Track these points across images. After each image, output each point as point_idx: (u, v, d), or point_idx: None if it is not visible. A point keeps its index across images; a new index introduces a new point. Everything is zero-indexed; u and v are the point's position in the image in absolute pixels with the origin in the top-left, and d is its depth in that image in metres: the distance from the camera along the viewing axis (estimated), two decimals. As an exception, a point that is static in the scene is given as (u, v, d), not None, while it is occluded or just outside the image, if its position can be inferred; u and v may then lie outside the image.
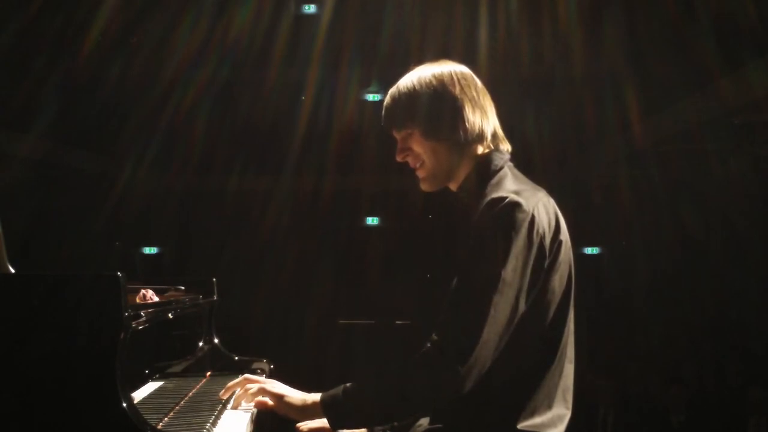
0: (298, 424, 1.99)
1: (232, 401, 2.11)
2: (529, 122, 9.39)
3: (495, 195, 1.69)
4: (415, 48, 7.84)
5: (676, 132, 7.66)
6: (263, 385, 1.84)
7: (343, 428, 1.85)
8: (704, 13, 6.18)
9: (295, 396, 1.79)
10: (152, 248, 11.05)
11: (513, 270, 1.62)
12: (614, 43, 7.67)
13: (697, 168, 8.55)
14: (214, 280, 2.82)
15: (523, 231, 1.64)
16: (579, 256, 11.00)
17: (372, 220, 11.58)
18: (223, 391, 2.01)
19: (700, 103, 6.81)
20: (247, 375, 1.98)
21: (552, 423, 1.73)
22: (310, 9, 8.51)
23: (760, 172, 7.73)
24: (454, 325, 1.61)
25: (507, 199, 1.66)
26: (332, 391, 1.74)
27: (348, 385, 1.73)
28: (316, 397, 1.76)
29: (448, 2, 8.20)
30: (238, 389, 1.93)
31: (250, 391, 1.84)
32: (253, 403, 2.06)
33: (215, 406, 1.99)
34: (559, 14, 7.73)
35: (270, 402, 1.81)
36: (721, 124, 7.10)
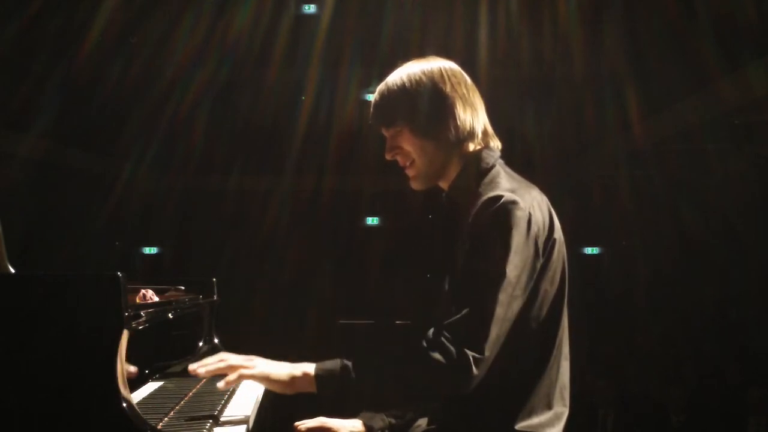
0: (296, 424, 1.99)
1: (231, 406, 2.10)
2: (529, 122, 9.40)
3: (491, 194, 1.68)
4: (415, 48, 7.84)
5: (676, 132, 7.66)
6: (243, 372, 1.73)
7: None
8: (704, 13, 6.18)
9: (281, 372, 1.72)
10: (152, 248, 11.05)
11: (514, 267, 1.62)
12: (614, 43, 7.67)
13: (697, 168, 8.55)
14: (214, 280, 2.82)
15: (522, 228, 1.64)
16: (579, 256, 11.04)
17: (372, 220, 11.58)
18: (203, 369, 1.77)
19: (700, 103, 6.81)
20: (221, 355, 1.81)
21: (550, 422, 1.73)
22: (310, 9, 8.51)
23: (760, 172, 7.73)
24: (463, 325, 1.59)
25: (504, 198, 1.66)
26: (328, 366, 1.68)
27: (346, 363, 1.68)
28: (306, 368, 1.70)
29: (448, 2, 8.21)
30: (212, 366, 1.76)
31: (228, 380, 1.73)
32: (251, 405, 2.05)
33: (215, 407, 1.99)
34: (559, 14, 7.73)
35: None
36: (721, 124, 7.09)
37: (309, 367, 1.71)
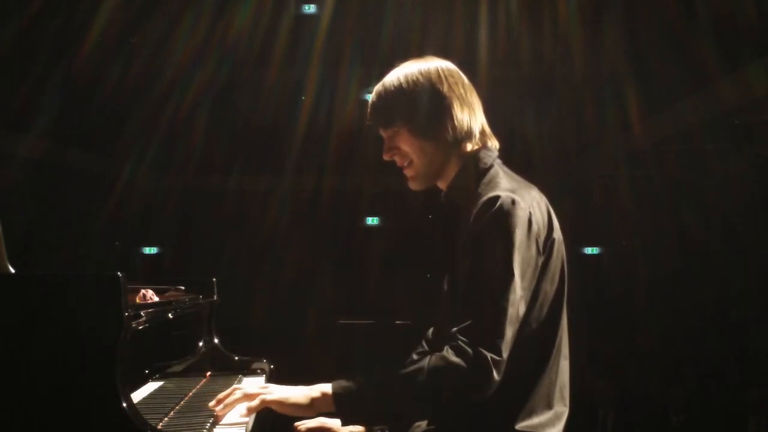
0: (296, 423, 1.98)
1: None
2: (529, 122, 9.40)
3: (491, 194, 1.68)
4: (415, 48, 7.84)
5: (676, 132, 7.66)
6: (264, 397, 1.71)
7: (354, 423, 1.81)
8: (704, 13, 6.19)
9: (298, 394, 1.70)
10: (152, 248, 11.05)
11: (518, 266, 1.62)
12: (614, 43, 7.67)
13: (697, 168, 8.55)
14: (214, 280, 2.82)
15: (524, 228, 1.65)
16: (579, 256, 11.04)
17: (372, 220, 11.58)
18: (221, 406, 1.78)
19: (700, 103, 6.81)
20: (236, 386, 1.84)
21: (550, 422, 1.72)
22: (310, 9, 8.52)
23: (760, 172, 7.74)
24: (477, 328, 1.59)
25: (504, 198, 1.65)
26: (343, 384, 1.66)
27: (362, 378, 1.66)
28: (323, 388, 1.67)
29: (448, 2, 8.22)
30: (230, 398, 1.77)
31: (251, 407, 1.71)
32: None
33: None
34: (559, 14, 7.73)
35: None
36: (721, 124, 7.10)
37: (326, 387, 1.69)
